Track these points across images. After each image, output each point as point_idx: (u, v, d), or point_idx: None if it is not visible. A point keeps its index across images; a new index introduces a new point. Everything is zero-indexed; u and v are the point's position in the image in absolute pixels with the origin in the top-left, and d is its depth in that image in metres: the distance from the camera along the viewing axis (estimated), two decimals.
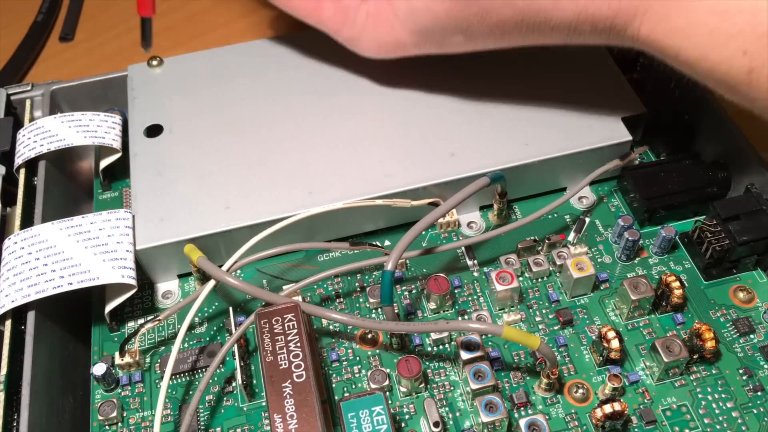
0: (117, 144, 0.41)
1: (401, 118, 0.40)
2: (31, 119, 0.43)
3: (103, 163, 0.41)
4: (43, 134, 0.40)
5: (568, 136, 0.38)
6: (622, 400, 0.31)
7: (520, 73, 0.41)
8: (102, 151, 0.42)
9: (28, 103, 0.43)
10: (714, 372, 0.34)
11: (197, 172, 0.38)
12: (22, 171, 0.40)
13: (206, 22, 0.58)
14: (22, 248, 0.35)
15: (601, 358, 0.34)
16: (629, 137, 0.38)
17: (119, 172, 0.43)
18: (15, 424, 0.31)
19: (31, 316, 0.34)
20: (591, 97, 0.40)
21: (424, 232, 0.39)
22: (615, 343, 0.32)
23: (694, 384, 0.33)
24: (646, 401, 0.33)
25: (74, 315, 0.37)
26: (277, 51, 0.44)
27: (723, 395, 0.33)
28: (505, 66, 0.42)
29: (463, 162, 0.38)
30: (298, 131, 0.40)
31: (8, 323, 0.33)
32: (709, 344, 0.32)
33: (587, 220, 0.39)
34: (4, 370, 0.32)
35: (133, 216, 0.36)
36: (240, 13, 0.58)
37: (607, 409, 0.31)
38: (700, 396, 0.33)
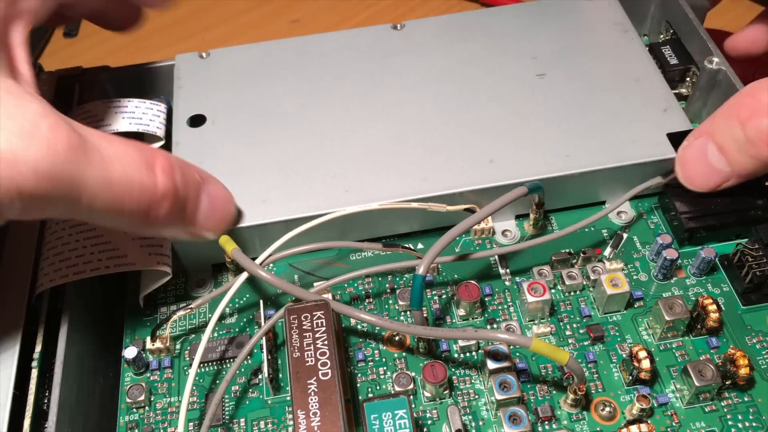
0: (161, 132, 0.41)
1: (442, 122, 0.40)
2: (79, 103, 0.44)
3: None
4: (89, 118, 0.41)
5: (610, 150, 0.38)
6: (649, 422, 0.31)
7: (566, 83, 0.41)
8: (146, 138, 0.43)
9: (77, 87, 0.44)
10: (746, 399, 0.33)
11: (237, 164, 0.39)
12: None
13: (208, 18, 0.58)
14: (64, 229, 0.36)
15: (630, 378, 0.33)
16: (674, 154, 0.38)
17: None
18: (46, 401, 0.32)
19: (68, 296, 0.34)
20: (636, 111, 0.39)
21: (457, 238, 0.38)
22: (646, 363, 0.32)
23: (725, 410, 0.33)
24: (674, 424, 0.32)
25: (109, 297, 0.38)
26: (321, 49, 0.44)
27: (754, 423, 0.32)
28: (549, 75, 0.41)
29: (501, 169, 0.37)
30: (338, 129, 0.40)
31: (45, 302, 0.34)
32: (743, 371, 0.32)
33: (625, 235, 0.39)
34: (39, 348, 0.33)
35: None
36: (241, 9, 0.59)
37: (634, 429, 0.30)
38: (730, 423, 0.32)
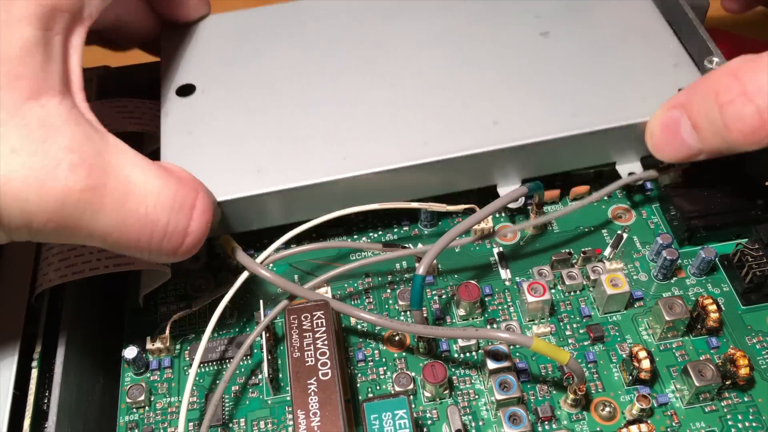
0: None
1: (442, 83, 0.38)
2: None
3: (146, 150, 0.42)
4: None
5: (619, 108, 0.36)
6: (649, 422, 0.31)
7: (570, 41, 0.39)
8: (146, 137, 0.42)
9: None
10: (746, 399, 0.33)
11: (229, 134, 0.37)
12: None
13: None
14: None
15: (630, 378, 0.33)
16: None
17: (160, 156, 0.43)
18: (46, 401, 0.32)
19: (68, 296, 0.35)
20: (645, 67, 0.38)
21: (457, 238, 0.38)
22: (646, 363, 0.32)
23: (725, 410, 0.33)
24: (674, 424, 0.32)
25: (109, 297, 0.38)
26: (314, 12, 0.42)
27: (754, 423, 0.32)
28: (553, 33, 0.40)
29: (506, 131, 0.35)
30: (334, 94, 0.38)
31: (45, 302, 0.34)
32: (743, 371, 0.32)
33: (625, 235, 0.39)
34: (39, 348, 0.33)
35: None
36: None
37: (634, 429, 0.30)
38: (730, 423, 0.32)
